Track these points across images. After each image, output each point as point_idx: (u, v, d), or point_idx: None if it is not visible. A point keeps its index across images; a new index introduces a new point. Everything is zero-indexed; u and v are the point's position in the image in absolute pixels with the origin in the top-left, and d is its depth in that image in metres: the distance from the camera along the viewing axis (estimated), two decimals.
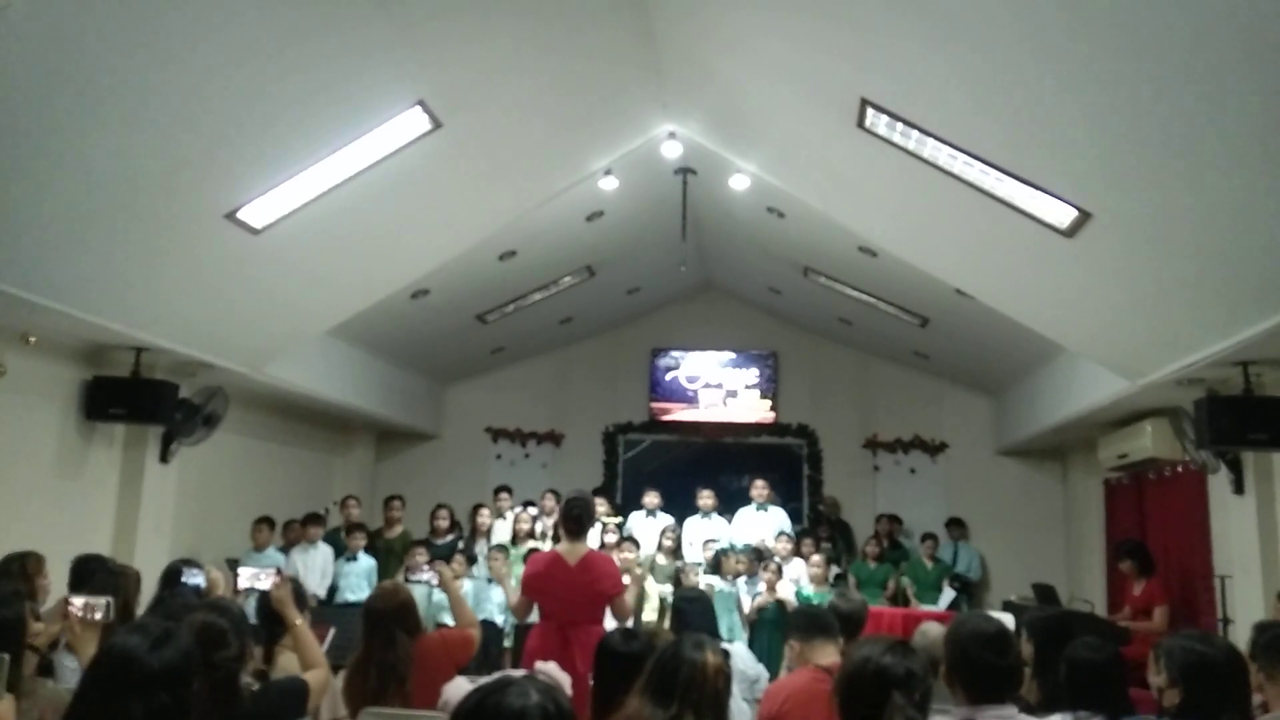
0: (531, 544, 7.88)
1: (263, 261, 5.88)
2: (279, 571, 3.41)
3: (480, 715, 1.46)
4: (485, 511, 8.54)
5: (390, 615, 3.67)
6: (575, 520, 4.70)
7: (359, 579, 7.72)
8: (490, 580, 7.48)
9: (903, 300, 8.59)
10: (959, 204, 5.41)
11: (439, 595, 7.19)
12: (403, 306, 8.16)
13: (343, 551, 8.01)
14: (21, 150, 4.13)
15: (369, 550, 8.04)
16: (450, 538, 8.42)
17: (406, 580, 6.00)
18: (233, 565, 7.54)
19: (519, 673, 1.64)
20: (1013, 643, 2.64)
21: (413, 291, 7.94)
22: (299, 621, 3.23)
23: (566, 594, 4.56)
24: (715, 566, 7.56)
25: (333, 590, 7.81)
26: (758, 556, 7.74)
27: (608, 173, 7.01)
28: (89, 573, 4.13)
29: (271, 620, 3.47)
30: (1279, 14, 3.03)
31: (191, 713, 1.81)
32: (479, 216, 6.83)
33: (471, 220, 6.84)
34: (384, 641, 3.61)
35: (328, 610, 6.90)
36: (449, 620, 7.12)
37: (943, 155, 5.09)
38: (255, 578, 3.37)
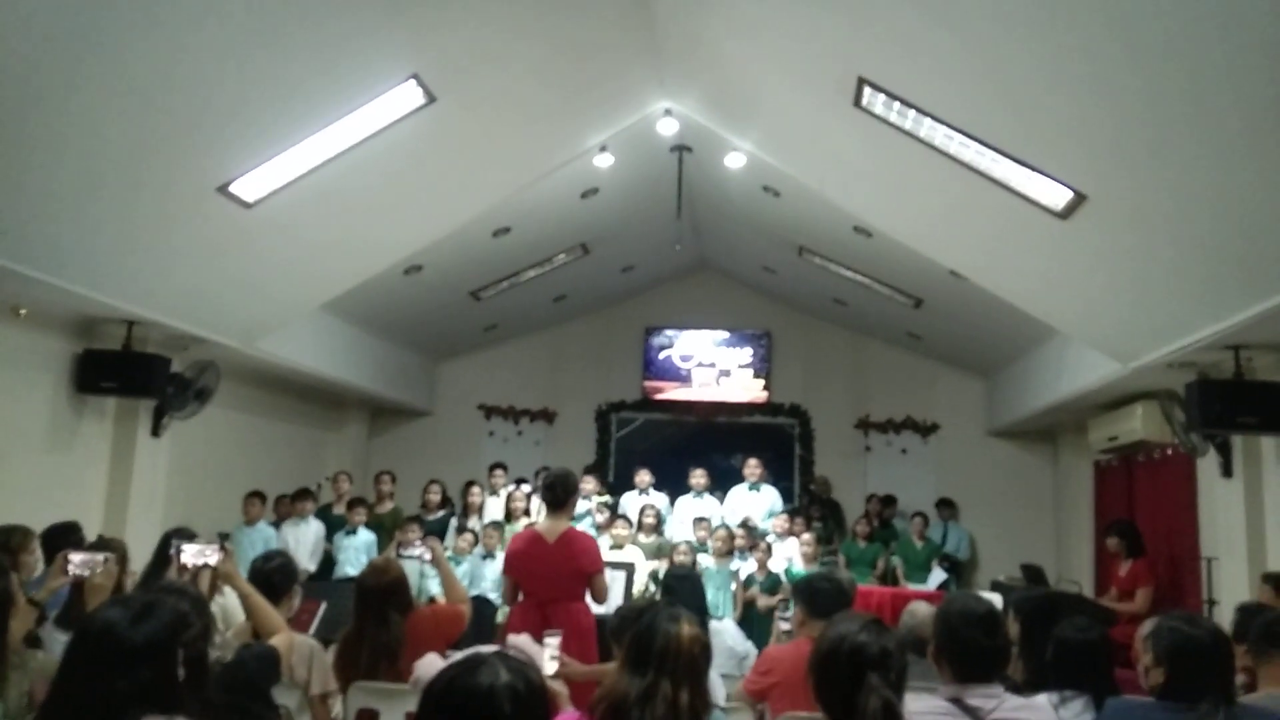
0: (525, 522, 7.84)
1: (255, 235, 5.84)
2: (223, 545, 3.36)
3: (450, 695, 1.46)
4: (476, 489, 8.45)
5: (382, 593, 3.67)
6: (551, 492, 4.68)
7: (357, 553, 7.70)
8: (485, 556, 7.48)
9: (897, 281, 8.56)
10: (955, 184, 5.39)
11: (431, 570, 7.19)
12: (396, 282, 8.10)
13: (334, 527, 7.99)
14: (9, 123, 4.08)
15: (368, 525, 8.02)
16: (442, 513, 8.40)
17: (398, 555, 6.01)
18: (224, 539, 7.55)
19: (490, 648, 1.63)
20: (1001, 623, 2.65)
21: (406, 267, 7.87)
22: (249, 590, 3.24)
23: (545, 571, 4.54)
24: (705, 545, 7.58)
25: (331, 564, 7.81)
26: (754, 534, 7.74)
27: (603, 149, 6.97)
28: (57, 551, 4.10)
29: (266, 594, 3.46)
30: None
31: (177, 687, 1.79)
32: (473, 192, 6.78)
33: (465, 196, 6.79)
34: (377, 621, 3.61)
35: (323, 584, 6.91)
36: (437, 592, 7.15)
37: (939, 135, 5.06)
38: (200, 554, 3.29)
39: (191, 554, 3.30)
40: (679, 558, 6.95)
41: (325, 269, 6.86)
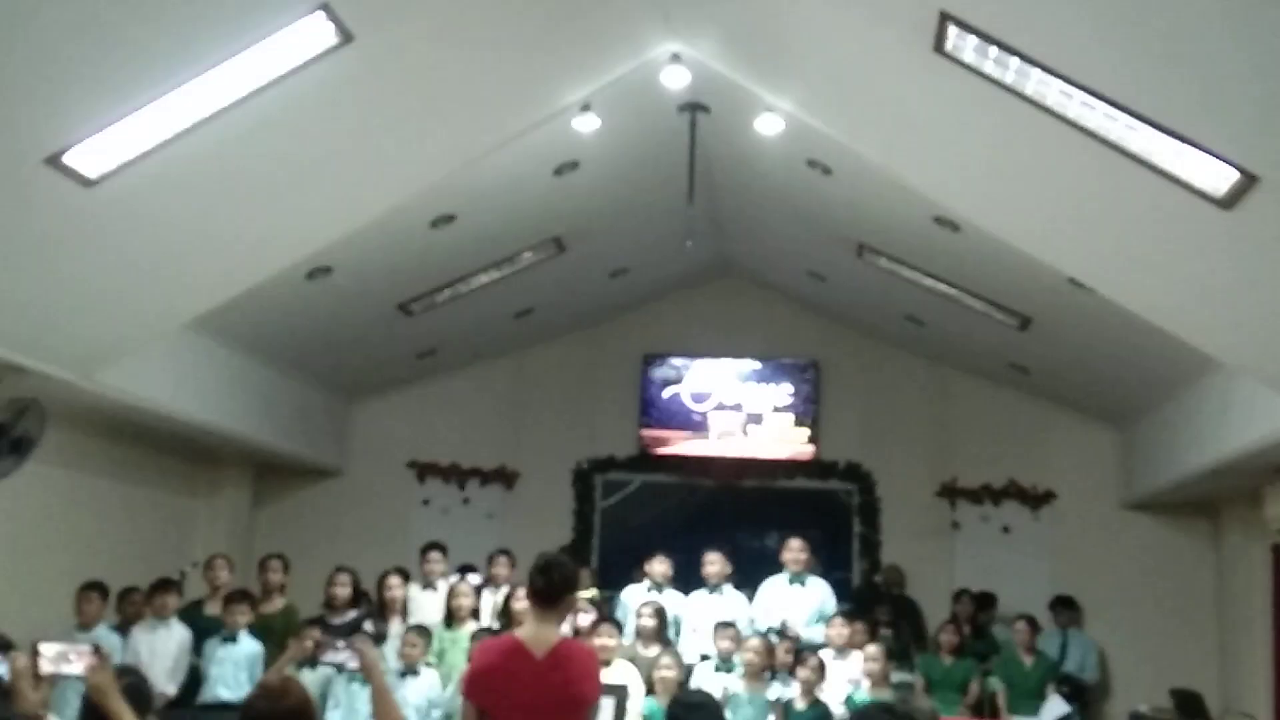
0: (473, 627, 7.79)
1: (99, 224, 5.80)
2: (96, 649, 3.40)
3: None
4: (395, 581, 8.25)
5: None
6: (545, 577, 4.51)
7: (237, 668, 7.57)
8: (405, 673, 7.33)
9: (995, 292, 8.53)
10: (1074, 160, 5.42)
11: (343, 685, 7.14)
12: (295, 291, 8.06)
13: (205, 632, 7.82)
14: None
15: (253, 630, 7.84)
16: (353, 614, 8.20)
17: (317, 664, 6.01)
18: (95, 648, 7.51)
19: None
20: None
21: (309, 269, 7.82)
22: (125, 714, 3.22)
23: (529, 699, 4.37)
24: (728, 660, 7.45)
25: (196, 683, 7.70)
26: (799, 646, 7.69)
27: (585, 109, 6.98)
28: None
29: None
30: None
31: None
32: (403, 166, 6.77)
33: (393, 171, 6.76)
34: None
35: (186, 713, 6.87)
36: None
37: (1053, 92, 5.08)
38: (63, 658, 3.31)
39: (52, 657, 3.30)
40: (662, 674, 6.89)
41: (195, 271, 6.81)
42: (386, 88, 5.92)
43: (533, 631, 4.51)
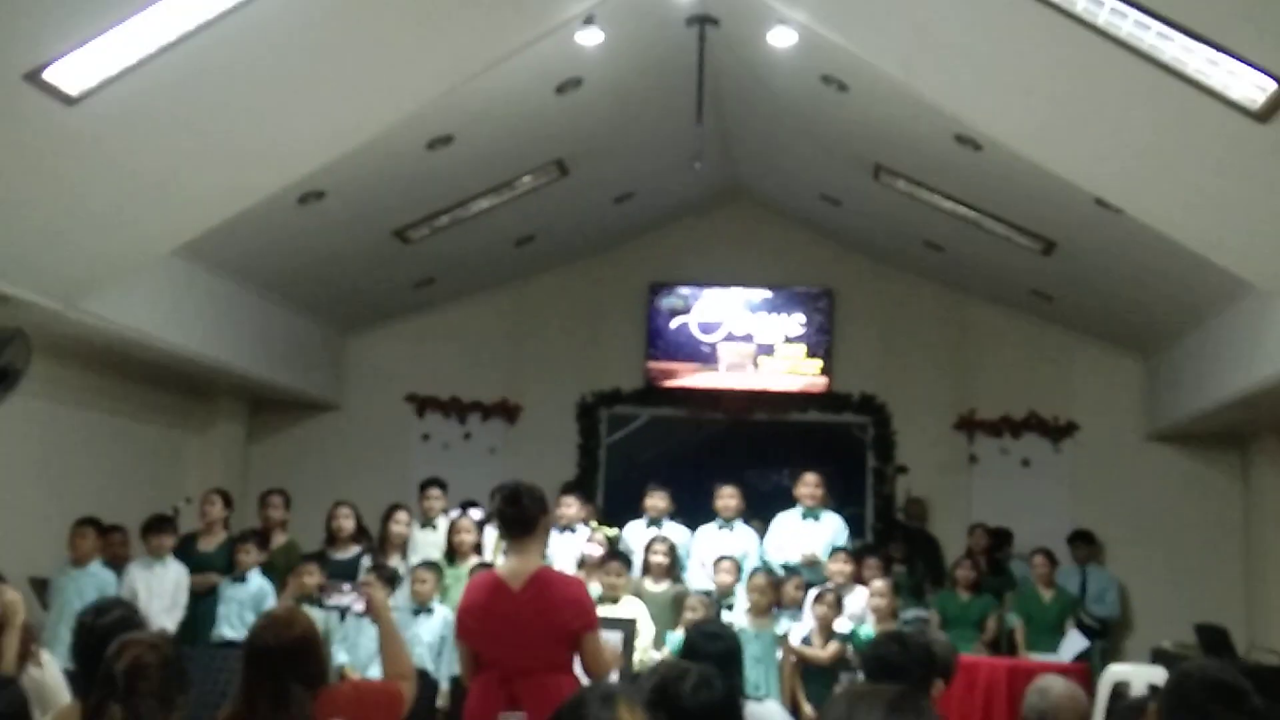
0: (474, 562, 7.91)
1: (81, 144, 5.84)
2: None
3: None
4: (402, 516, 8.41)
5: (283, 657, 3.54)
6: (514, 507, 4.67)
7: (242, 608, 7.70)
8: (417, 611, 7.49)
9: (1018, 215, 8.55)
10: (1104, 72, 5.41)
11: (338, 629, 7.29)
12: (286, 216, 8.11)
13: (199, 567, 8.03)
14: None
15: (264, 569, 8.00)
16: (355, 550, 8.41)
17: (320, 604, 6.19)
18: (39, 586, 7.59)
19: None
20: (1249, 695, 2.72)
21: (301, 194, 7.87)
22: None
23: (511, 632, 4.49)
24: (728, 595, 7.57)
25: (196, 621, 7.88)
26: (817, 572, 7.82)
27: (589, 22, 6.95)
28: None
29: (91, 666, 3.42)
30: None
31: None
32: (398, 84, 6.76)
33: (387, 89, 6.76)
34: (273, 699, 3.48)
35: (189, 650, 6.86)
36: (344, 660, 7.29)
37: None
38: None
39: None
40: (689, 615, 6.94)
41: (182, 195, 6.82)
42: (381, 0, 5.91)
43: (511, 565, 4.64)
